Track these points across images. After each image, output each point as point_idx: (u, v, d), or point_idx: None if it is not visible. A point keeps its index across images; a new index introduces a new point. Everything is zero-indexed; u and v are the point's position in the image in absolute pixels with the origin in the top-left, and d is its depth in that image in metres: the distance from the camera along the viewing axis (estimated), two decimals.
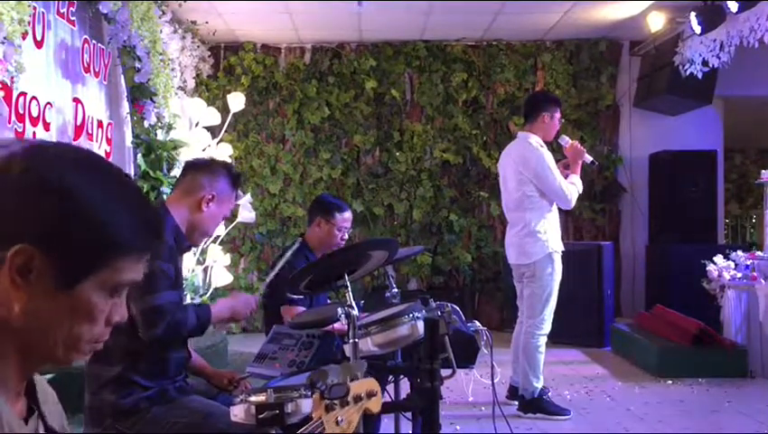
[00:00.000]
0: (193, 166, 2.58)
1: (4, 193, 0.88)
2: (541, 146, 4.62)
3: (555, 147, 4.87)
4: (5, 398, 0.90)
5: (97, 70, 5.08)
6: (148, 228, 0.96)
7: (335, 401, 1.34)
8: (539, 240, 4.54)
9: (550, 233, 4.57)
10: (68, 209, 0.88)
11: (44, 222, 0.88)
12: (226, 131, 6.72)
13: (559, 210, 4.71)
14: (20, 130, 3.93)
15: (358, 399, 1.40)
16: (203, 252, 6.09)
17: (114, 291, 0.95)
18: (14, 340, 0.90)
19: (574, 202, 4.65)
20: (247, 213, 6.21)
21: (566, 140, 4.76)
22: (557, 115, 4.69)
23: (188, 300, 4.98)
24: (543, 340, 4.62)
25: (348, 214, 3.64)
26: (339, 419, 1.33)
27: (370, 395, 1.43)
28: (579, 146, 4.73)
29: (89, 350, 0.96)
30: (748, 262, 5.94)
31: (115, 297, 0.95)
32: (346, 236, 3.67)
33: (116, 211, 0.92)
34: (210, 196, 2.47)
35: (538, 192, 4.56)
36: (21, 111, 3.95)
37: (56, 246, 0.88)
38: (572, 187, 4.59)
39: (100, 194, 0.91)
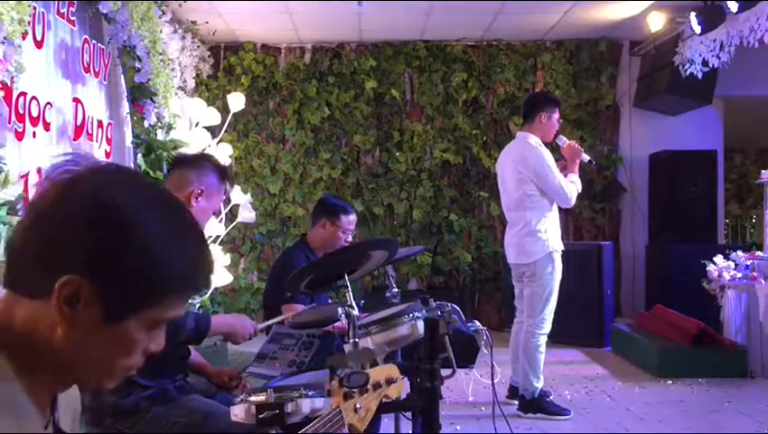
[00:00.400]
0: (180, 162, 2.59)
1: (62, 216, 0.86)
2: (540, 146, 4.63)
3: (554, 147, 4.87)
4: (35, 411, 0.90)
5: (97, 70, 5.08)
6: (203, 271, 0.94)
7: (354, 390, 1.31)
8: (539, 239, 4.54)
9: (550, 232, 4.58)
10: (124, 242, 0.85)
11: (98, 254, 0.85)
12: (226, 131, 6.72)
13: (559, 209, 4.72)
14: (20, 130, 3.93)
15: (377, 386, 1.37)
16: None
17: (156, 326, 0.94)
18: (51, 361, 0.90)
19: (574, 201, 4.66)
20: (247, 213, 6.21)
21: (563, 140, 4.77)
22: (556, 115, 4.69)
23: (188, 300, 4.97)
24: (543, 340, 4.62)
25: (353, 217, 3.68)
26: (357, 406, 1.31)
27: (390, 382, 1.40)
28: (576, 145, 4.75)
29: (123, 376, 0.96)
30: (748, 262, 5.94)
31: (155, 331, 0.94)
32: (350, 238, 3.70)
33: (174, 249, 0.89)
34: (199, 191, 2.46)
35: (538, 191, 4.57)
36: (21, 111, 3.94)
37: (107, 281, 0.86)
38: (572, 185, 4.60)
39: (162, 230, 0.88)
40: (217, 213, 2.65)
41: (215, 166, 2.55)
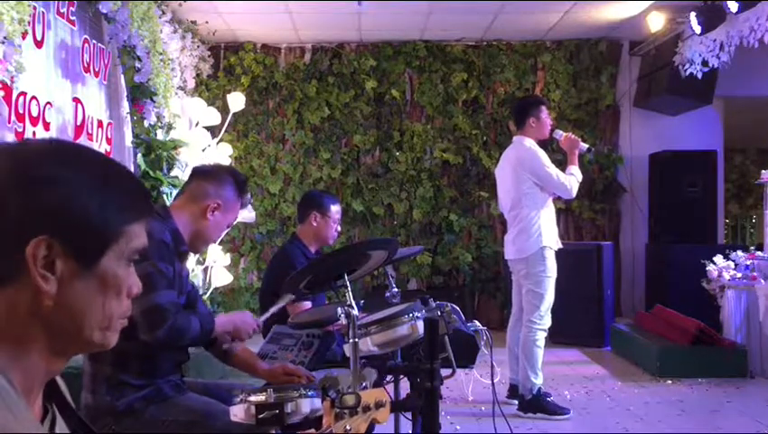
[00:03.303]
0: (200, 173, 2.56)
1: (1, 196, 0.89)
2: (533, 146, 4.75)
3: (554, 148, 4.92)
4: (28, 400, 0.90)
5: (97, 69, 5.08)
6: (138, 192, 1.01)
7: (345, 411, 1.34)
8: (532, 235, 4.62)
9: (544, 229, 4.63)
10: (64, 196, 0.90)
11: (47, 214, 0.89)
12: (226, 131, 6.72)
13: (557, 209, 4.80)
14: (20, 130, 3.93)
15: (367, 409, 1.40)
16: (203, 252, 6.09)
17: (129, 260, 0.98)
18: (43, 335, 0.91)
19: (575, 192, 4.76)
20: (247, 213, 6.21)
21: (559, 134, 4.89)
22: (544, 114, 4.80)
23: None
24: (542, 335, 4.64)
25: (339, 207, 3.82)
26: (348, 427, 1.33)
27: (379, 405, 1.43)
28: (573, 136, 4.86)
29: (120, 326, 0.99)
30: (748, 262, 5.94)
31: (129, 267, 0.98)
32: (339, 228, 3.82)
33: (107, 186, 0.95)
34: (216, 205, 2.45)
35: (535, 188, 4.67)
36: (21, 111, 3.94)
37: (67, 231, 0.90)
38: (571, 178, 4.71)
39: (87, 175, 0.94)
40: (230, 226, 2.64)
41: (235, 181, 2.52)
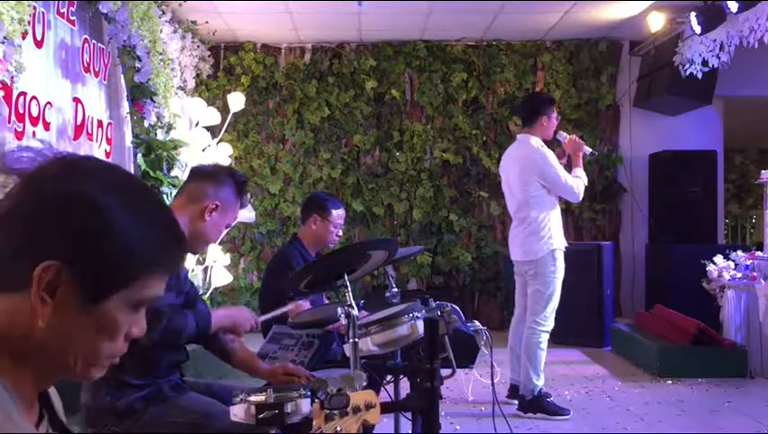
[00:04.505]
0: (199, 174, 2.55)
1: (34, 207, 0.88)
2: (542, 147, 4.68)
3: (557, 144, 4.91)
4: (21, 409, 0.90)
5: (97, 69, 5.08)
6: (175, 246, 0.97)
7: (335, 412, 1.34)
8: (543, 237, 4.58)
9: (554, 231, 4.61)
10: (97, 226, 0.88)
11: (73, 240, 0.88)
12: (226, 131, 6.72)
13: (561, 209, 4.76)
14: (20, 130, 3.93)
15: (357, 410, 1.40)
16: (203, 252, 6.08)
17: (136, 307, 0.95)
18: (33, 354, 0.91)
19: (582, 195, 4.72)
20: (246, 213, 6.21)
21: (563, 136, 4.84)
22: (554, 114, 4.77)
23: None
24: (545, 337, 4.63)
25: (342, 211, 3.70)
26: (338, 429, 1.34)
27: (369, 407, 1.44)
28: (577, 139, 4.81)
29: (107, 364, 0.97)
30: (748, 262, 5.94)
31: (135, 313, 0.96)
32: (341, 233, 3.71)
33: (145, 229, 0.92)
34: (215, 206, 2.44)
35: (543, 190, 4.62)
36: (21, 111, 3.94)
37: (84, 263, 0.88)
38: (578, 180, 4.67)
39: (131, 212, 0.91)
40: (230, 227, 2.63)
41: (234, 181, 2.51)
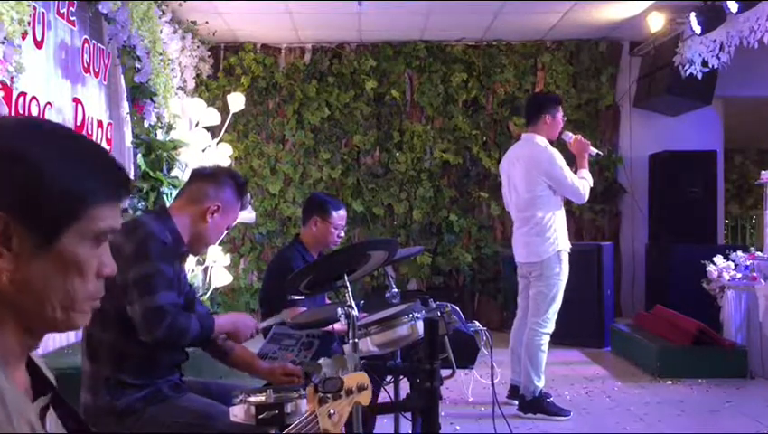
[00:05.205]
0: (199, 175, 2.55)
1: None
2: (549, 147, 4.64)
3: (560, 143, 4.89)
4: (6, 372, 0.91)
5: (97, 70, 5.08)
6: (113, 174, 0.99)
7: (328, 395, 1.36)
8: (548, 239, 4.56)
9: (559, 232, 4.59)
10: (28, 172, 0.91)
11: (9, 190, 0.90)
12: (226, 131, 6.72)
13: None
14: None
15: (349, 392, 1.42)
16: (203, 253, 6.08)
17: (96, 241, 0.97)
18: (9, 311, 0.92)
19: (587, 196, 4.68)
20: (246, 214, 6.21)
21: (569, 136, 4.79)
22: (560, 114, 4.72)
23: None
24: (546, 339, 4.62)
25: (343, 212, 3.65)
26: (331, 411, 1.35)
27: (361, 389, 1.46)
28: (583, 139, 4.76)
29: (89, 308, 0.98)
30: (748, 263, 5.94)
31: (99, 248, 0.97)
32: (342, 234, 3.67)
33: (76, 165, 0.95)
34: (216, 207, 2.45)
35: (549, 191, 4.58)
36: (21, 111, 3.94)
37: (27, 209, 0.91)
38: (584, 182, 4.63)
39: (57, 154, 0.94)
40: (230, 228, 2.64)
41: (234, 183, 2.52)
